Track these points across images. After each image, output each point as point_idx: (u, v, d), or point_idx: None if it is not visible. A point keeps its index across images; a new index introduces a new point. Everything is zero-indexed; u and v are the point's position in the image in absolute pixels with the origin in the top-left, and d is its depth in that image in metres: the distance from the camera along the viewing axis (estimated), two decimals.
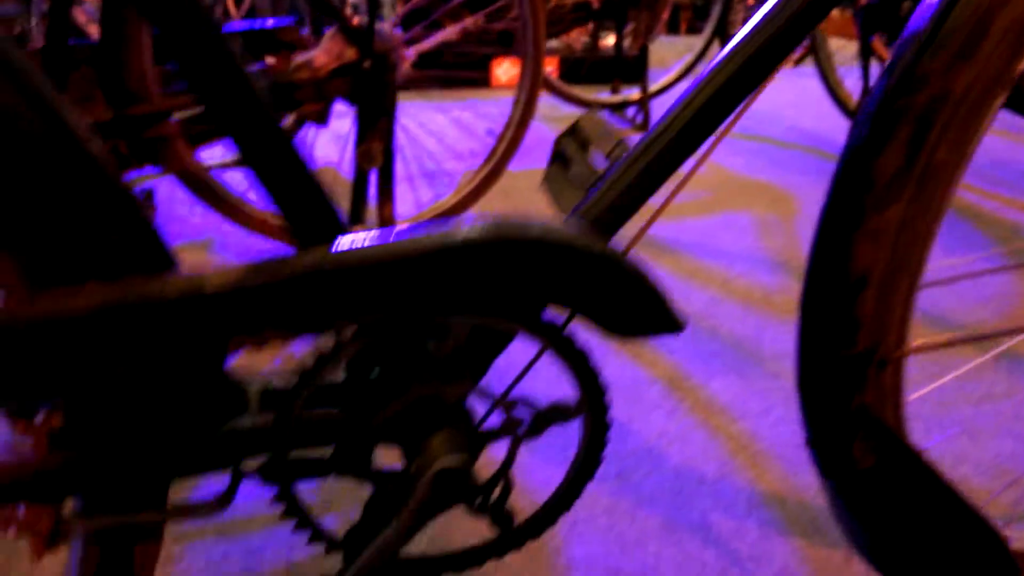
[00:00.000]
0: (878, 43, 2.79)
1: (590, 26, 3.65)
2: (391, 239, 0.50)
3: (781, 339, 1.65)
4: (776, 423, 1.37)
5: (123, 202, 0.48)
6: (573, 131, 0.73)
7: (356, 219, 1.87)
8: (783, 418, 1.39)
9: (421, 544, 1.07)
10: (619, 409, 1.41)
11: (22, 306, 0.46)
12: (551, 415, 0.58)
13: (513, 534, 0.63)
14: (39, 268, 0.47)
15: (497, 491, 0.61)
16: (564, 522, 1.14)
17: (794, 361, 0.73)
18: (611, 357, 1.56)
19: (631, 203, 0.55)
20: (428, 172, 2.66)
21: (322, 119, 1.77)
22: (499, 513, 0.62)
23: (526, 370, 0.60)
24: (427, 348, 0.58)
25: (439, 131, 3.13)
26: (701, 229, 2.25)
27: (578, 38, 3.70)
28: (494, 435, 0.58)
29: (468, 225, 0.50)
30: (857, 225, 0.62)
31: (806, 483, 1.22)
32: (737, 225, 2.30)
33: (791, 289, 1.88)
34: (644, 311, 0.55)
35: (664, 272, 1.91)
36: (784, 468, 1.26)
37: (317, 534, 0.59)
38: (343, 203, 1.82)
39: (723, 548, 1.09)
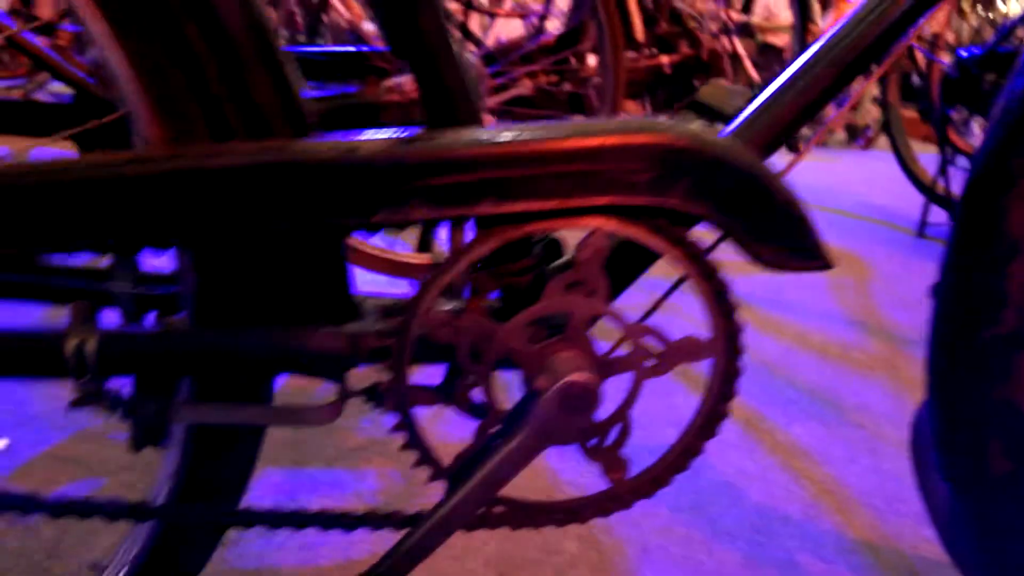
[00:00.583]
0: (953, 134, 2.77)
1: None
2: (539, 132, 0.48)
3: (862, 392, 1.57)
4: (863, 472, 1.29)
5: (276, 67, 0.48)
6: (695, 105, 0.72)
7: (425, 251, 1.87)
8: (871, 468, 1.30)
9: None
10: None
11: (167, 155, 0.45)
12: (682, 351, 0.54)
13: (625, 488, 0.58)
14: (186, 121, 0.47)
15: (615, 433, 0.57)
16: (634, 546, 1.07)
17: (926, 346, 0.68)
18: (681, 393, 1.50)
19: (786, 127, 0.53)
20: None
21: None
22: (613, 459, 0.57)
23: (664, 298, 0.57)
24: (559, 258, 0.56)
25: None
26: (774, 286, 2.20)
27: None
28: (620, 365, 0.54)
29: (619, 119, 0.48)
30: (1009, 187, 0.59)
31: (900, 533, 1.13)
32: (810, 284, 2.25)
33: (869, 346, 1.81)
34: (793, 239, 0.52)
35: None
36: (875, 516, 1.17)
37: (428, 458, 0.55)
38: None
39: None
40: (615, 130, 0.48)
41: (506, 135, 0.48)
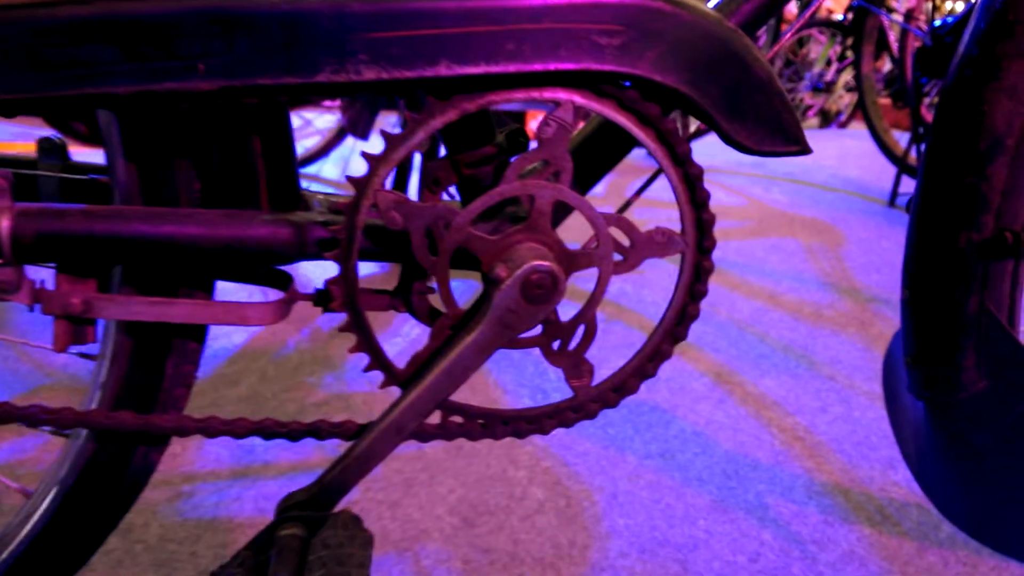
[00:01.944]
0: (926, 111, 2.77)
1: None
2: None
3: (835, 348, 1.56)
4: (834, 421, 1.28)
5: None
6: None
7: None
8: (841, 417, 1.29)
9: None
10: (661, 396, 1.32)
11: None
12: (651, 244, 0.51)
13: (587, 396, 0.55)
14: None
15: (579, 336, 0.53)
16: (602, 493, 1.05)
17: (904, 254, 0.65)
18: None
19: (768, 4, 0.50)
20: None
21: None
22: (577, 364, 0.54)
23: (638, 193, 0.53)
24: (523, 151, 0.52)
25: None
26: (746, 251, 2.18)
27: None
28: (585, 258, 0.51)
29: None
30: (991, 77, 0.56)
31: (870, 477, 1.12)
32: (782, 249, 2.23)
33: (841, 306, 1.80)
34: (770, 119, 0.48)
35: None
36: (845, 462, 1.16)
37: (380, 362, 0.51)
38: None
39: (783, 530, 0.99)
40: None
41: None
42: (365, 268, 1.50)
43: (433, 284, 0.52)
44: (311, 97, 0.45)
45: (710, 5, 0.51)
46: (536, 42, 0.45)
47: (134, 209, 0.46)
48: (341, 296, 0.50)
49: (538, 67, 0.45)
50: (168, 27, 0.41)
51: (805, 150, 0.50)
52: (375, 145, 2.03)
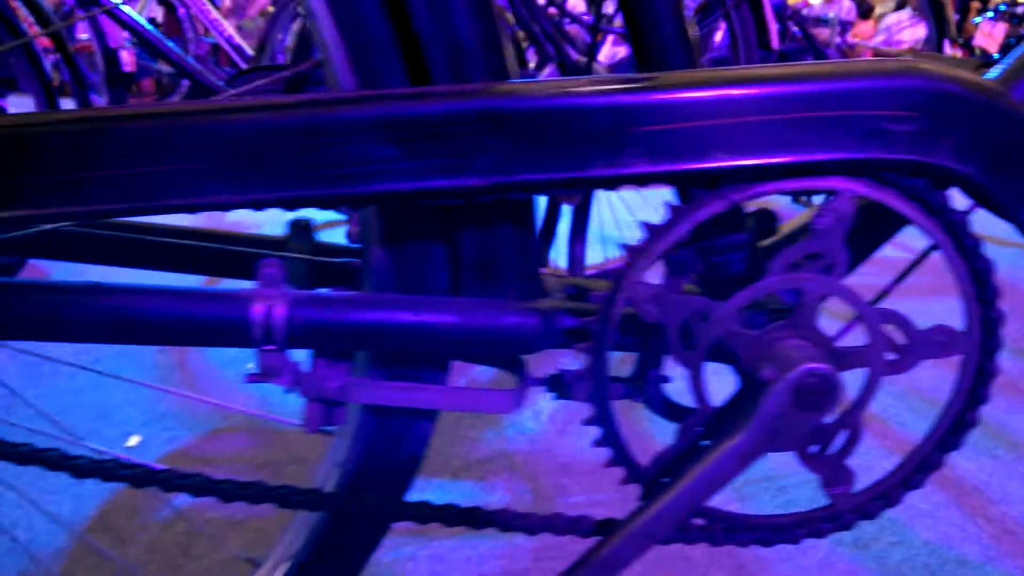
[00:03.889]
0: None
1: None
2: (781, 72, 0.42)
3: None
4: None
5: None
6: None
7: (543, 257, 1.83)
8: None
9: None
10: None
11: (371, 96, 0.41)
12: (930, 344, 0.46)
13: (846, 506, 0.50)
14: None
15: (841, 440, 0.49)
16: None
17: None
18: None
19: None
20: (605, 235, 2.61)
21: None
22: (837, 470, 0.49)
23: (904, 274, 0.49)
24: (772, 235, 0.49)
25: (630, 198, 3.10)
26: (925, 311, 2.02)
27: None
28: (857, 357, 0.46)
29: (873, 59, 0.41)
30: None
31: None
32: None
33: None
34: None
35: None
36: None
37: (624, 458, 0.49)
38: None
39: None
40: (872, 71, 0.41)
41: (741, 76, 0.41)
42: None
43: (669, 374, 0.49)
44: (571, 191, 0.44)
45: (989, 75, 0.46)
46: (819, 130, 0.42)
47: (398, 297, 0.46)
48: (588, 388, 0.48)
49: (818, 157, 0.42)
50: (446, 125, 0.41)
51: None
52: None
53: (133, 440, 1.30)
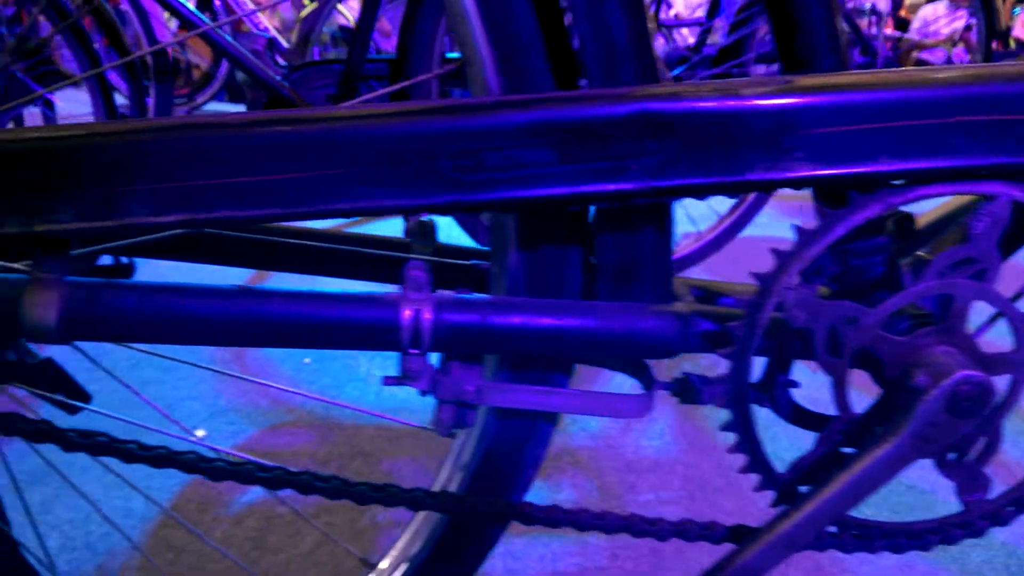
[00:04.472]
0: None
1: None
2: (945, 75, 0.41)
3: None
4: None
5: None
6: None
7: None
8: None
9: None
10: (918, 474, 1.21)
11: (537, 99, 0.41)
12: None
13: (981, 513, 0.49)
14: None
15: (979, 446, 0.48)
16: None
17: None
18: None
19: None
20: None
21: None
22: (974, 477, 0.48)
23: None
24: (911, 237, 0.48)
25: None
26: None
27: None
28: (1007, 363, 0.46)
29: None
30: None
31: None
32: None
33: None
34: None
35: None
36: None
37: (761, 464, 0.48)
38: None
39: None
40: None
41: (908, 79, 0.41)
42: None
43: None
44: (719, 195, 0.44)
45: None
46: (985, 134, 0.41)
47: (542, 302, 0.46)
48: (727, 393, 0.47)
49: (982, 161, 0.41)
50: (604, 128, 0.40)
51: None
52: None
53: (199, 433, 1.31)
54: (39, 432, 0.46)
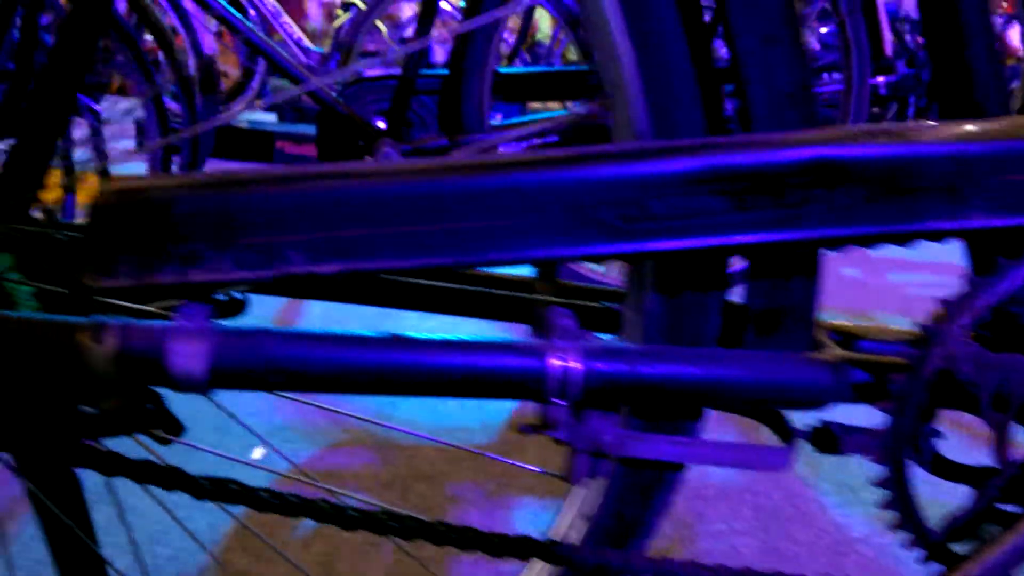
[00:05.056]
0: None
1: None
2: None
3: None
4: None
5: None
6: None
7: None
8: None
9: None
10: None
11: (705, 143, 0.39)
12: None
13: None
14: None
15: None
16: None
17: None
18: None
19: None
20: None
21: None
22: None
23: None
24: None
25: None
26: None
27: None
28: None
29: None
30: None
31: None
32: None
33: None
34: None
35: None
36: None
37: (913, 522, 0.46)
38: None
39: None
40: None
41: None
42: None
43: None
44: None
45: None
46: None
47: (691, 350, 0.44)
48: (882, 447, 0.45)
49: None
50: (778, 175, 0.39)
51: None
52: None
53: (257, 452, 1.31)
54: (170, 478, 0.45)
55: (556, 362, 0.42)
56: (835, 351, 0.47)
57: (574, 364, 0.43)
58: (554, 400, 0.43)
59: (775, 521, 1.15)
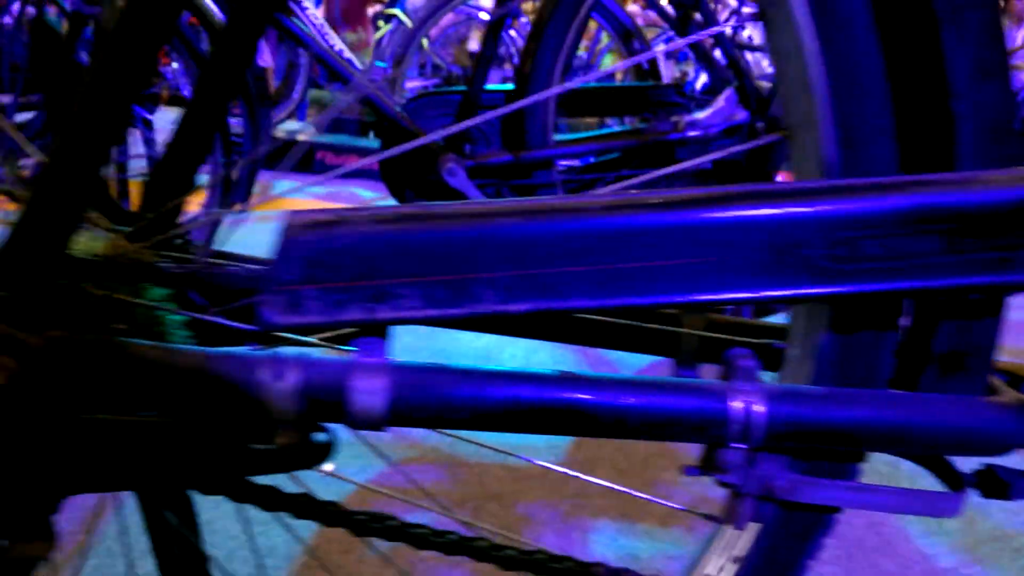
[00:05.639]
0: None
1: None
2: None
3: None
4: None
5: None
6: None
7: None
8: None
9: None
10: None
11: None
12: None
13: None
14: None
15: None
16: None
17: None
18: None
19: None
20: None
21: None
22: None
23: None
24: None
25: None
26: None
27: None
28: None
29: None
30: None
31: None
32: None
33: None
34: None
35: None
36: None
37: None
38: None
39: None
40: None
41: None
42: None
43: None
44: None
45: None
46: None
47: (876, 393, 0.42)
48: None
49: None
50: (995, 215, 0.37)
51: None
52: None
53: (327, 466, 1.30)
54: (328, 514, 0.44)
55: (738, 404, 0.41)
56: (1011, 394, 0.45)
57: (758, 408, 0.41)
58: (732, 444, 0.42)
59: (860, 551, 1.12)
